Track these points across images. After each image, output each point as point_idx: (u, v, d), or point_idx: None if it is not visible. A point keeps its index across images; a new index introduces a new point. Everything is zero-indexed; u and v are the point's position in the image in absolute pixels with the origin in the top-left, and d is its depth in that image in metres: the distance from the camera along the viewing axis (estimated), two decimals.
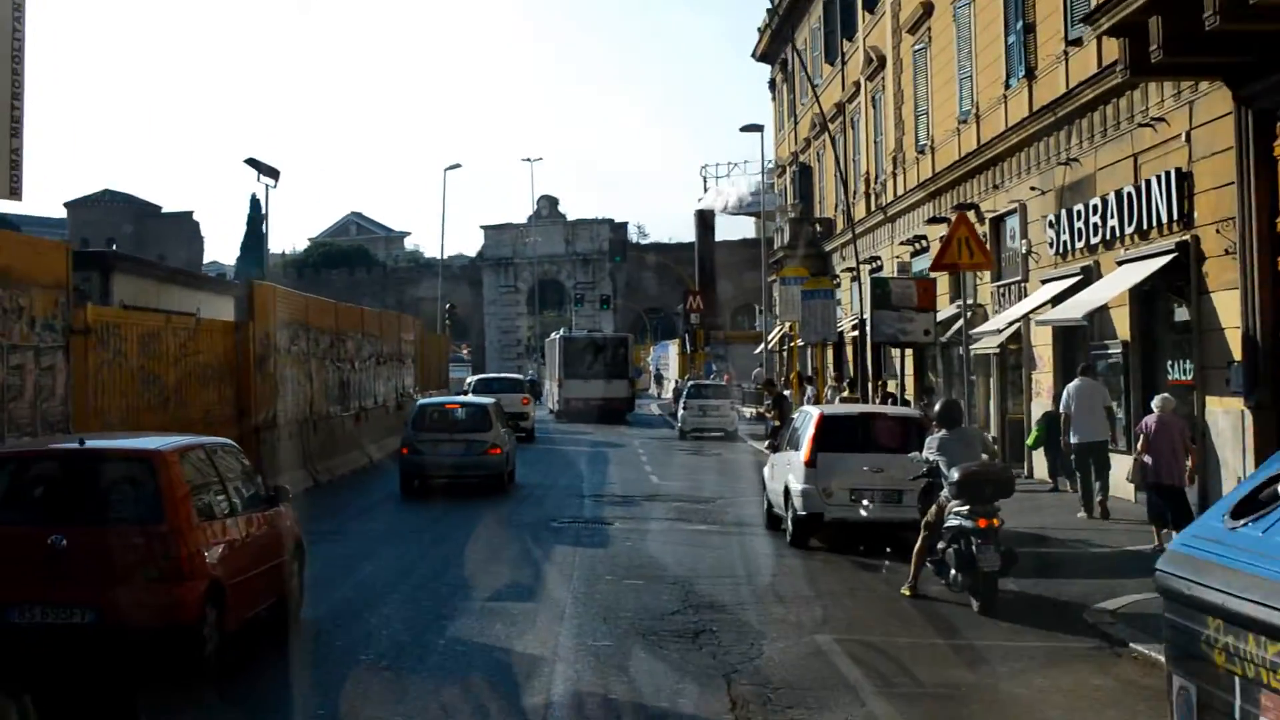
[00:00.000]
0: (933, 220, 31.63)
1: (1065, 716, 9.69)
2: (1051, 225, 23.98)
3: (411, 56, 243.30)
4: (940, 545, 13.68)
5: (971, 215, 24.77)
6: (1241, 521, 6.05)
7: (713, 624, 12.47)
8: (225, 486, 11.30)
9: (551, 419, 52.34)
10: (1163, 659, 10.74)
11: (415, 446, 24.32)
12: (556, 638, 11.85)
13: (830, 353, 45.43)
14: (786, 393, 35.79)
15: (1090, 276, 22.19)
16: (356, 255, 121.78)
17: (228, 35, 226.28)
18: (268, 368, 23.12)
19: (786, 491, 17.85)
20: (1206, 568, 5.90)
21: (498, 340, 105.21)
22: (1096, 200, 21.89)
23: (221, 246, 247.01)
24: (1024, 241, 25.69)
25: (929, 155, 32.86)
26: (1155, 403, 16.88)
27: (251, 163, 30.35)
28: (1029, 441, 24.24)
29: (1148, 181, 19.89)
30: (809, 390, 38.16)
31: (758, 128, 49.12)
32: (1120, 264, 20.82)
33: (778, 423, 27.57)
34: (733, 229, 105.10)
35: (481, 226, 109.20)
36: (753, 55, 60.26)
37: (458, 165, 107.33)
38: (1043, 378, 24.97)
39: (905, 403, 28.48)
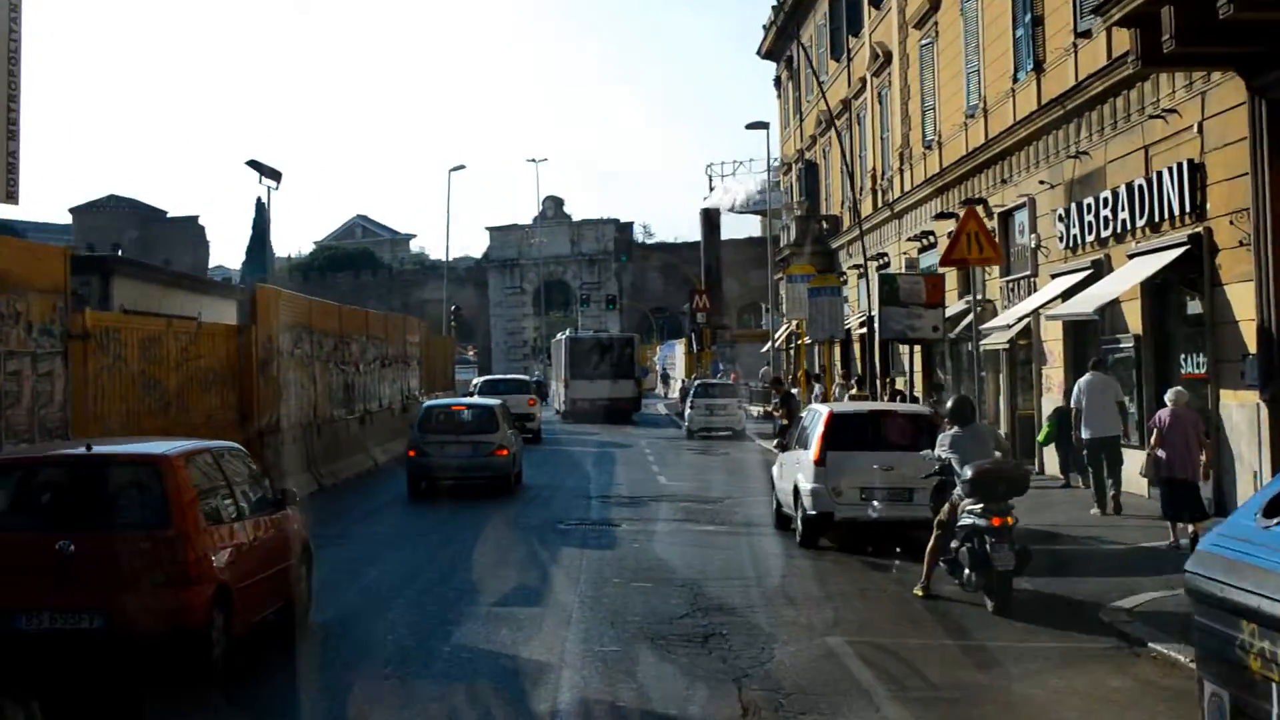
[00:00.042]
0: (940, 216, 31.41)
1: (1083, 719, 9.46)
2: (1061, 219, 23.74)
3: (415, 58, 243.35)
4: (953, 544, 13.45)
5: (980, 210, 24.50)
6: (1275, 520, 5.80)
7: (722, 627, 12.25)
8: (232, 490, 11.25)
9: (558, 420, 52.16)
10: (1182, 658, 10.63)
11: (422, 448, 24.24)
12: (563, 643, 11.64)
13: (838, 350, 45.19)
14: (794, 391, 35.56)
15: (1101, 270, 21.95)
16: (362, 258, 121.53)
17: (232, 39, 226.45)
18: (271, 371, 22.91)
19: (796, 491, 17.62)
20: (1239, 569, 5.65)
21: (504, 342, 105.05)
22: (1107, 193, 21.66)
23: (228, 251, 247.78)
24: (1033, 236, 25.46)
25: (936, 150, 32.64)
26: (1169, 396, 16.65)
27: (253, 164, 30.15)
28: (1040, 438, 24.01)
29: (1159, 174, 19.66)
30: (817, 388, 37.92)
31: (763, 125, 48.95)
32: (1131, 257, 20.58)
33: (786, 421, 27.32)
34: (739, 228, 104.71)
35: (487, 228, 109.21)
36: (758, 53, 60.03)
37: (462, 166, 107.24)
38: (1053, 373, 24.75)
39: (914, 400, 28.22)
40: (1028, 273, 25.85)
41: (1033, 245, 25.44)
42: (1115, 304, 20.99)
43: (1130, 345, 21.23)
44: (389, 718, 9.58)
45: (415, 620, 12.88)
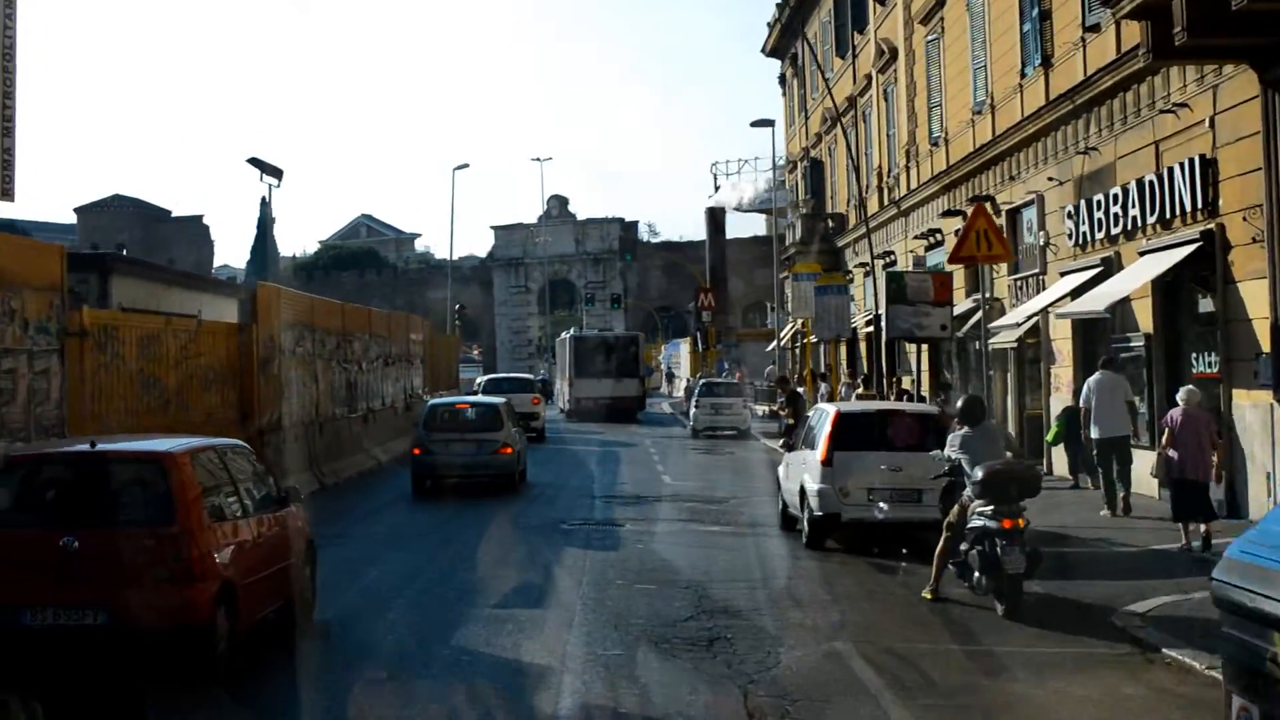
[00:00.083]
0: (947, 213, 31.18)
1: None
2: (1070, 216, 23.50)
3: (420, 57, 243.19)
4: (963, 547, 13.19)
5: (987, 207, 24.28)
6: None
7: (727, 631, 12.01)
8: (236, 488, 11.25)
9: (562, 419, 51.95)
10: (1197, 665, 10.39)
11: (427, 446, 24.30)
12: (565, 646, 11.41)
13: (844, 349, 44.99)
14: (800, 390, 35.31)
15: (1111, 268, 21.71)
16: (367, 257, 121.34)
17: (236, 39, 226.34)
18: (272, 370, 22.71)
19: (802, 491, 17.38)
20: (1273, 578, 5.40)
21: (509, 341, 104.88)
22: (1117, 189, 21.41)
23: (232, 250, 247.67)
24: (1042, 233, 25.21)
25: (943, 147, 32.40)
26: (1181, 395, 16.40)
27: (254, 162, 30.00)
28: (1048, 438, 23.77)
29: (1170, 169, 19.42)
30: (823, 387, 37.71)
31: (768, 123, 48.74)
32: (1142, 254, 20.34)
33: (791, 421, 27.11)
34: (744, 226, 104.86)
35: (491, 227, 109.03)
36: (762, 50, 59.80)
37: (466, 165, 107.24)
38: (1062, 372, 24.51)
39: (921, 399, 27.98)
40: (1036, 271, 25.59)
41: (1041, 243, 25.19)
42: (1125, 302, 20.74)
43: (1141, 344, 20.97)
44: None
45: (415, 622, 12.68)
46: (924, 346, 31.46)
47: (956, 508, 13.43)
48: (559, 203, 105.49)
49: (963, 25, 30.19)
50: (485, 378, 50.18)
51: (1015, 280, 26.99)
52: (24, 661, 9.35)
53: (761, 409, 49.83)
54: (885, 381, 31.79)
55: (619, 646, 11.42)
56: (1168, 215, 19.63)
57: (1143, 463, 19.35)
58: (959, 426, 13.99)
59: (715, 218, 78.72)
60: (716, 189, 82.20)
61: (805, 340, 45.35)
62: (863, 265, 40.37)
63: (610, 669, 10.60)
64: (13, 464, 10.83)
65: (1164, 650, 10.95)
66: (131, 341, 17.53)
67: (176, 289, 27.34)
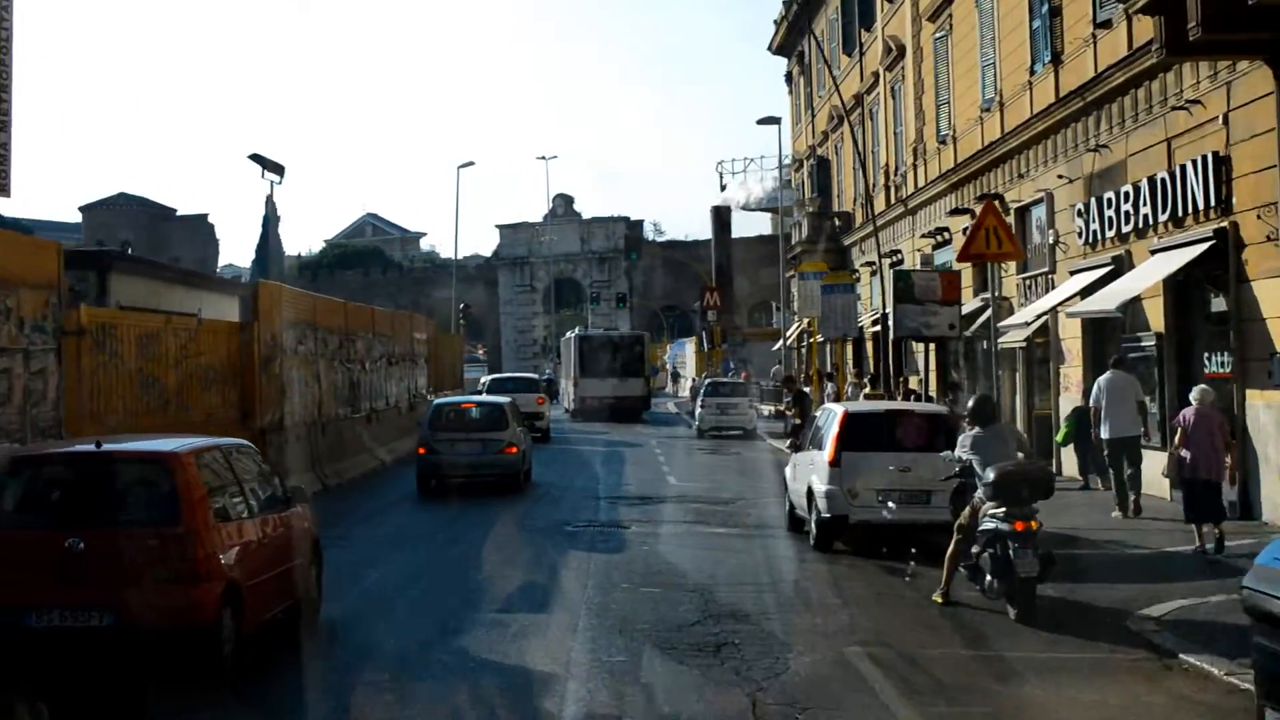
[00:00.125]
0: (955, 212, 30.92)
1: None
2: (1080, 214, 23.25)
3: (425, 56, 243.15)
4: (974, 549, 12.94)
5: (997, 205, 23.99)
6: None
7: (735, 636, 11.77)
8: (242, 488, 11.22)
9: (567, 418, 51.72)
10: (1216, 671, 10.15)
11: (432, 446, 24.31)
12: (569, 652, 11.16)
13: (850, 349, 44.74)
14: (807, 389, 35.06)
15: (1122, 266, 21.47)
16: (372, 256, 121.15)
17: (241, 39, 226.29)
18: (273, 369, 22.50)
19: (810, 493, 17.14)
20: None
21: (514, 340, 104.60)
22: (1128, 187, 21.16)
23: (238, 250, 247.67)
24: (1051, 232, 24.96)
25: (951, 145, 32.15)
26: (1194, 394, 16.14)
27: (256, 158, 29.76)
28: (1058, 438, 23.53)
29: (1183, 167, 19.18)
30: (829, 387, 37.44)
31: (774, 120, 48.41)
32: (1154, 253, 20.10)
33: (798, 421, 26.84)
34: (749, 225, 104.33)
35: (497, 226, 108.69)
36: (768, 48, 59.57)
37: (471, 163, 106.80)
38: (1071, 372, 24.25)
39: (929, 399, 27.72)
40: (1045, 269, 25.35)
41: (1051, 241, 24.94)
42: (1136, 301, 20.48)
43: (1152, 344, 20.71)
44: None
45: (415, 627, 12.48)
46: (931, 346, 31.17)
47: (967, 510, 13.19)
48: (564, 201, 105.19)
49: (971, 22, 29.94)
50: (489, 377, 49.97)
51: (1024, 279, 26.74)
52: (29, 663, 9.35)
53: (767, 409, 49.58)
54: (893, 381, 31.54)
55: (624, 652, 11.19)
56: (1180, 213, 19.39)
57: (1154, 464, 19.13)
58: (970, 427, 13.74)
59: (721, 216, 78.42)
60: (723, 187, 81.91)
61: (811, 340, 45.10)
62: (869, 264, 40.10)
63: (615, 675, 10.36)
64: (18, 464, 10.80)
65: (1181, 656, 10.71)
66: (130, 340, 17.33)
67: (177, 287, 27.09)
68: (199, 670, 9.73)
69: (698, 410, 43.05)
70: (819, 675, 10.43)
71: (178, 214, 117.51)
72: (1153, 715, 9.42)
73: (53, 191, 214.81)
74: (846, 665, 10.74)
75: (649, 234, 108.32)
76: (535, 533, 19.12)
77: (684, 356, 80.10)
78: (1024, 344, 26.16)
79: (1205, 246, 18.33)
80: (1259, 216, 17.02)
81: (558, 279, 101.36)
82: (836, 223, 47.42)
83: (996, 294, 21.76)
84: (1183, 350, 20.18)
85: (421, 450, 24.58)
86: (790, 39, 55.56)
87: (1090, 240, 22.86)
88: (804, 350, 51.70)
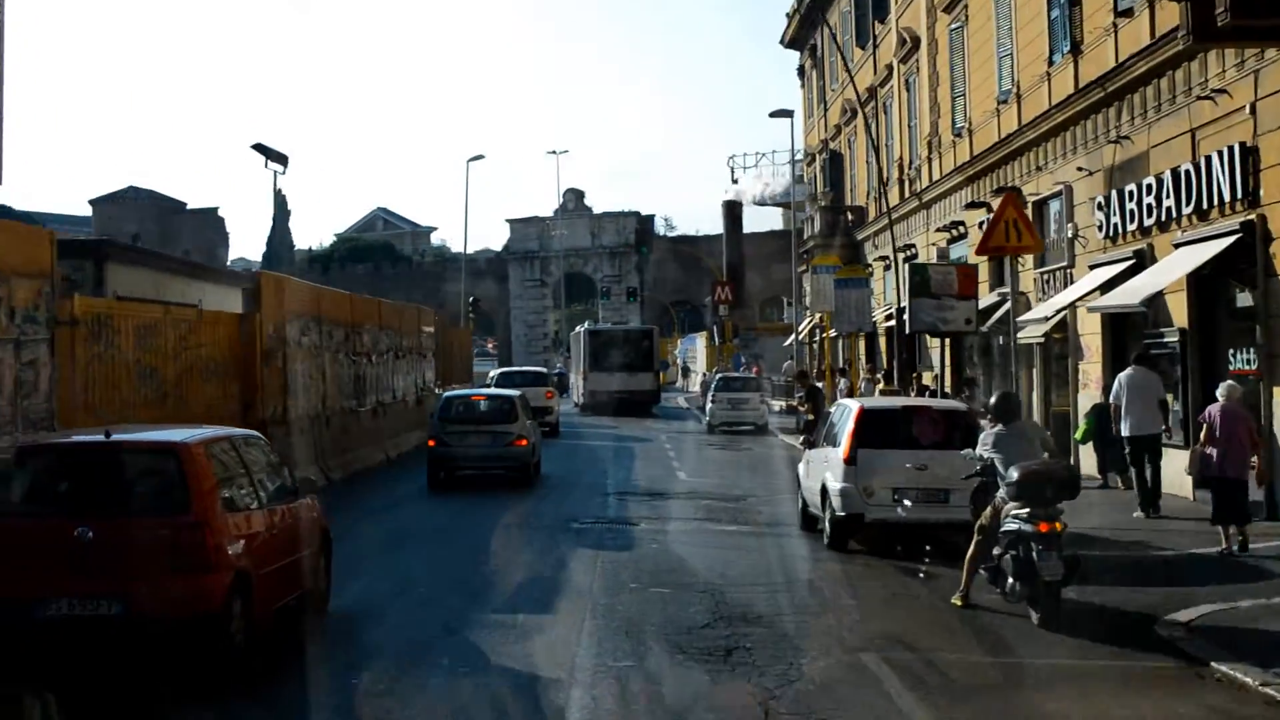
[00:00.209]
0: (971, 205, 30.42)
1: None
2: (1100, 207, 22.75)
3: (436, 50, 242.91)
4: (995, 551, 12.46)
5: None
6: None
7: (746, 639, 11.31)
8: (251, 478, 11.22)
9: (576, 412, 51.33)
10: (1251, 682, 9.66)
11: (442, 438, 24.29)
12: (573, 657, 10.71)
13: (863, 344, 44.29)
14: (820, 385, 34.60)
15: (1144, 261, 20.98)
16: (382, 250, 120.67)
17: (252, 35, 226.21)
18: (275, 361, 22.09)
19: (824, 490, 16.69)
20: None
21: (524, 334, 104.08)
22: (1150, 180, 20.67)
23: (249, 244, 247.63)
24: (1070, 225, 24.46)
25: (966, 138, 31.65)
26: (1221, 391, 15.66)
27: (259, 148, 29.34)
28: (1077, 435, 23.05)
29: (1208, 158, 18.68)
30: (842, 383, 37.00)
31: (787, 113, 48.01)
32: (1177, 246, 19.60)
33: (811, 417, 26.39)
34: (761, 220, 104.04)
35: (507, 220, 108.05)
36: (781, 41, 59.03)
37: (480, 156, 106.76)
38: (1090, 368, 23.77)
39: (945, 395, 27.24)
40: (1064, 264, 24.85)
41: (1069, 235, 24.43)
42: (1159, 296, 19.99)
43: (1175, 339, 20.21)
44: None
45: (414, 627, 12.10)
46: (946, 341, 30.70)
47: (989, 510, 12.71)
48: (575, 196, 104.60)
49: (987, 13, 29.42)
50: (498, 371, 49.70)
51: (1041, 274, 26.25)
52: (38, 653, 9.39)
53: (779, 404, 49.13)
54: (908, 377, 31.06)
55: (631, 657, 10.74)
56: (1204, 206, 18.89)
57: (1175, 462, 18.67)
58: (992, 424, 13.25)
59: (733, 211, 78.05)
60: (734, 181, 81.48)
61: (824, 334, 44.64)
62: (883, 259, 39.66)
63: (621, 682, 9.92)
64: (26, 454, 10.81)
65: (1214, 664, 10.24)
66: (127, 331, 16.92)
67: (178, 278, 26.61)
68: (208, 660, 9.70)
69: (708, 405, 42.63)
70: (834, 682, 9.99)
71: (188, 207, 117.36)
72: None
73: (64, 185, 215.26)
74: (863, 671, 10.30)
75: (660, 229, 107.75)
76: (542, 530, 18.72)
77: (695, 351, 79.72)
78: (1042, 339, 25.68)
79: (1231, 240, 17.83)
80: None
81: (568, 273, 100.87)
82: (849, 217, 46.96)
83: (1015, 288, 21.31)
84: (1206, 346, 19.67)
85: (432, 443, 24.54)
86: (802, 32, 55.07)
87: (1111, 234, 22.38)
88: (815, 345, 51.28)
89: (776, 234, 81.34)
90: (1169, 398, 19.52)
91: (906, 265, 30.89)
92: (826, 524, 16.67)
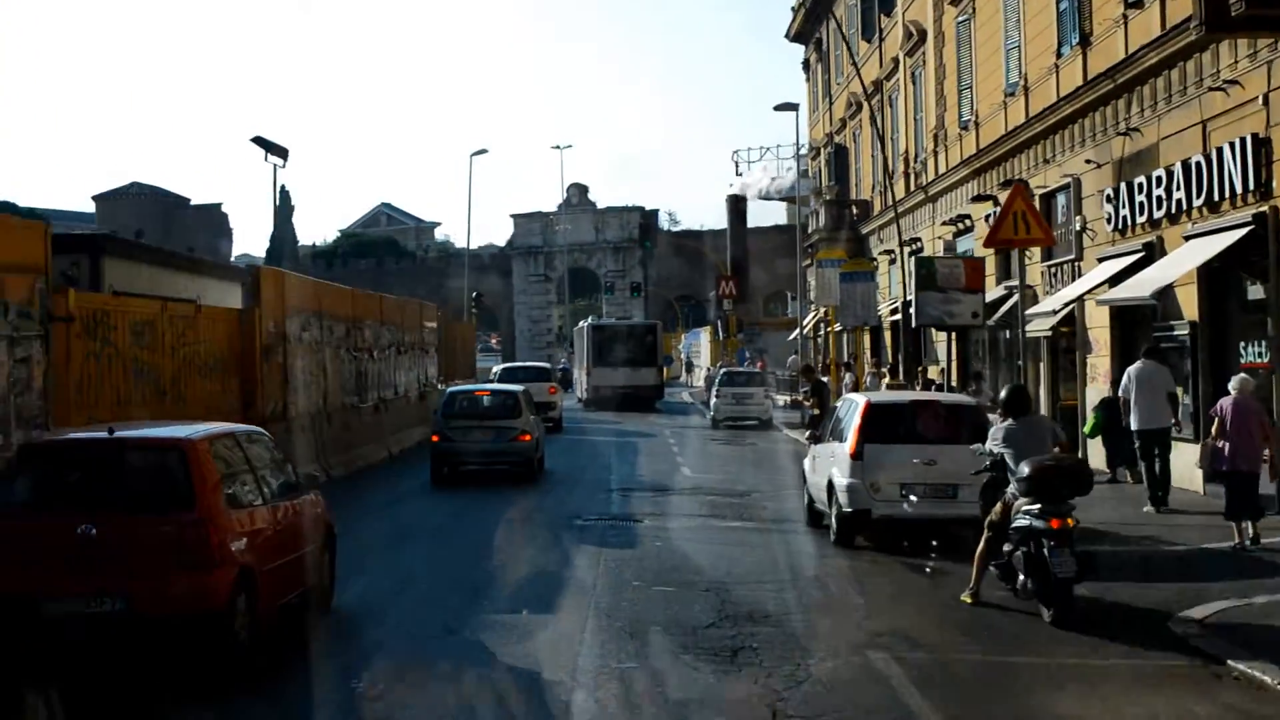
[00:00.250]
0: (977, 198, 30.20)
1: None
2: (1109, 200, 22.51)
3: (439, 45, 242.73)
4: (1006, 548, 12.23)
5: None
6: None
7: (753, 639, 11.07)
8: (255, 475, 11.20)
9: (580, 408, 51.10)
10: (1269, 680, 9.43)
11: (446, 434, 24.29)
12: (575, 658, 10.46)
13: (867, 338, 44.07)
14: (825, 379, 34.36)
15: (1153, 253, 20.75)
16: (386, 246, 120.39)
17: (256, 32, 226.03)
18: (275, 357, 21.88)
19: (830, 486, 16.43)
20: None
21: (528, 330, 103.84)
22: (1160, 172, 20.43)
23: (253, 240, 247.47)
24: (1078, 218, 24.20)
25: (973, 131, 31.41)
26: (1232, 384, 15.44)
27: (259, 141, 29.11)
28: (1085, 429, 22.78)
29: (1219, 149, 18.45)
30: (847, 377, 36.76)
31: (792, 106, 47.83)
32: (1188, 239, 19.35)
33: (817, 411, 26.16)
34: (765, 215, 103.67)
35: (511, 215, 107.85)
36: (786, 35, 58.82)
37: (484, 150, 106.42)
38: (1099, 361, 23.54)
39: (952, 390, 27.01)
40: (1071, 256, 24.59)
41: (1077, 228, 24.18)
42: (1169, 289, 19.75)
43: (1185, 332, 19.98)
44: None
45: (412, 628, 11.93)
46: (952, 335, 30.48)
47: (999, 506, 12.47)
48: (579, 191, 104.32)
49: (995, 5, 29.17)
50: (501, 366, 49.52)
51: (1049, 267, 26.00)
52: (41, 650, 9.33)
53: (783, 399, 48.90)
54: (914, 371, 30.84)
55: (634, 658, 10.50)
56: (1216, 198, 18.67)
57: (1185, 456, 18.45)
58: (1002, 418, 13.02)
59: (737, 206, 77.63)
60: (739, 174, 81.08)
61: (829, 329, 44.40)
62: (888, 253, 39.45)
63: (624, 684, 9.69)
64: (30, 452, 10.82)
65: (1230, 663, 10.00)
66: (124, 328, 16.70)
67: (178, 273, 26.34)
68: (211, 657, 9.65)
69: (713, 400, 42.39)
70: (844, 683, 9.76)
71: (191, 203, 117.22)
72: None
73: (67, 182, 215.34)
74: (872, 671, 10.07)
75: (664, 224, 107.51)
76: (545, 527, 18.50)
77: (699, 346, 79.46)
78: (1049, 333, 25.44)
79: (1243, 232, 17.61)
80: None
81: (572, 268, 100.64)
82: (854, 211, 46.73)
83: (1023, 281, 21.08)
84: (1217, 339, 19.45)
85: (435, 438, 24.51)
86: (808, 26, 54.81)
87: (1119, 226, 22.14)
88: (820, 340, 51.06)
89: (781, 228, 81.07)
90: (1179, 391, 19.29)
91: (912, 259, 30.64)
92: (833, 520, 16.44)
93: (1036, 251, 25.19)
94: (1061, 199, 25.45)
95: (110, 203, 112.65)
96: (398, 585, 14.09)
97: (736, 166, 78.18)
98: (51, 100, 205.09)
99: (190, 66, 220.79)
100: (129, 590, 9.37)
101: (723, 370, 46.50)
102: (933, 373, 31.77)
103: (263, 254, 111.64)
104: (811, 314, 50.56)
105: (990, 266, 28.48)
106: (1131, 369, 19.02)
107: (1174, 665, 10.25)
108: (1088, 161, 23.65)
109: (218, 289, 27.22)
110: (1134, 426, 18.74)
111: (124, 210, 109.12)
